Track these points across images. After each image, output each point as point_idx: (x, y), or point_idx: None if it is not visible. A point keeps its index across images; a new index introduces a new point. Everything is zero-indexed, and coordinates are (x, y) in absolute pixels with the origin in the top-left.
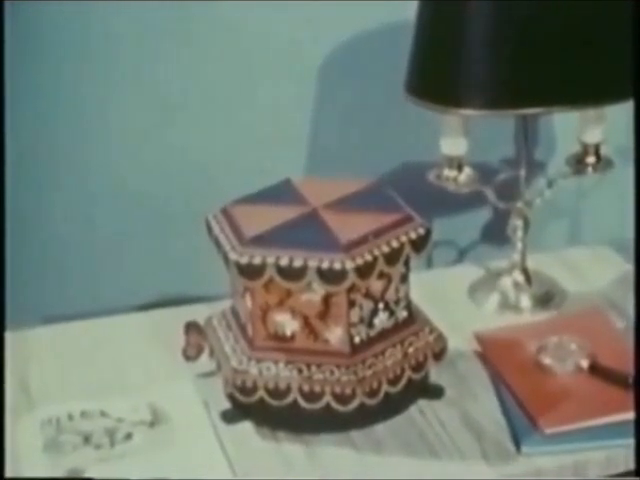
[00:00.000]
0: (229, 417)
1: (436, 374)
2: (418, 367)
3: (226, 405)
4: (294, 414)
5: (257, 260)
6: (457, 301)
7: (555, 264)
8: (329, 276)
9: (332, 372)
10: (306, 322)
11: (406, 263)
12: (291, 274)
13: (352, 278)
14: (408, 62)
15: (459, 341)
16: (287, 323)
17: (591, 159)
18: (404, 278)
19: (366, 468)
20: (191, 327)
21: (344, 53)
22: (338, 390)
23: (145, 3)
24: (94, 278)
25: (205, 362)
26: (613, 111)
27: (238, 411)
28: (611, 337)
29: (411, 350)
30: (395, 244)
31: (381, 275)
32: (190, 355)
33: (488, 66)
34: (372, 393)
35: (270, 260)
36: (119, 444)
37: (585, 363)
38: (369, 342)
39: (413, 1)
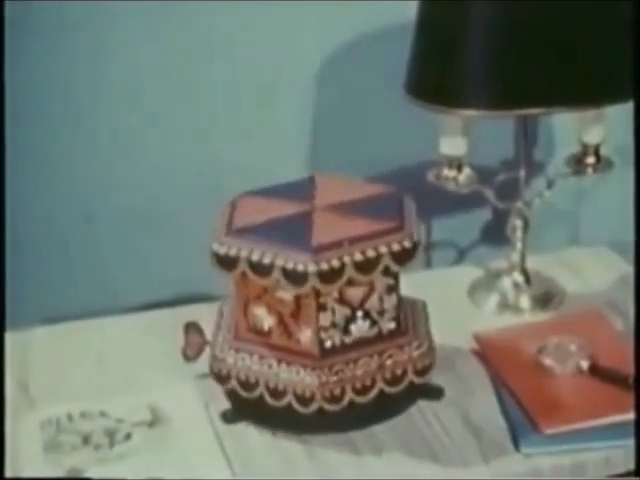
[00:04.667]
0: (229, 417)
1: (436, 375)
2: (394, 381)
3: (226, 405)
4: (292, 414)
5: (232, 252)
6: (457, 301)
7: (555, 265)
8: (292, 277)
9: (298, 372)
10: (280, 319)
11: (388, 274)
12: (260, 270)
13: (313, 282)
14: (408, 62)
15: (459, 341)
16: (264, 318)
17: (591, 159)
18: (391, 289)
19: (366, 468)
20: (191, 327)
21: (344, 53)
22: (299, 391)
23: (141, 3)
24: (94, 278)
25: (205, 362)
26: (613, 111)
27: (236, 409)
28: (611, 338)
29: (389, 363)
30: (371, 253)
31: (355, 283)
32: (190, 355)
33: (488, 66)
34: (333, 399)
35: (244, 253)
36: (119, 444)
37: (585, 364)
38: (343, 348)
39: (413, 1)
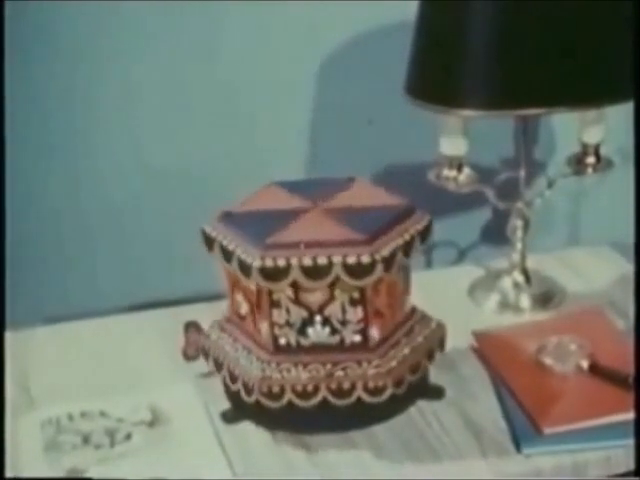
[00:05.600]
0: (229, 417)
1: (436, 374)
2: (339, 393)
3: (226, 405)
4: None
5: (213, 234)
6: (457, 301)
7: (555, 264)
8: (243, 268)
9: (251, 362)
10: (251, 308)
11: (346, 285)
12: (226, 256)
13: (256, 277)
14: (408, 63)
15: (459, 341)
16: (241, 304)
17: (591, 159)
18: (355, 302)
19: (366, 468)
20: (191, 327)
21: (344, 53)
22: (246, 379)
23: (141, 3)
24: (94, 278)
25: (205, 362)
26: (613, 111)
27: (236, 409)
28: (611, 337)
29: (339, 374)
30: (322, 260)
31: (305, 287)
32: (190, 355)
33: (488, 66)
34: (271, 396)
35: (219, 237)
36: (119, 444)
37: (585, 363)
38: (298, 349)
39: (413, 1)
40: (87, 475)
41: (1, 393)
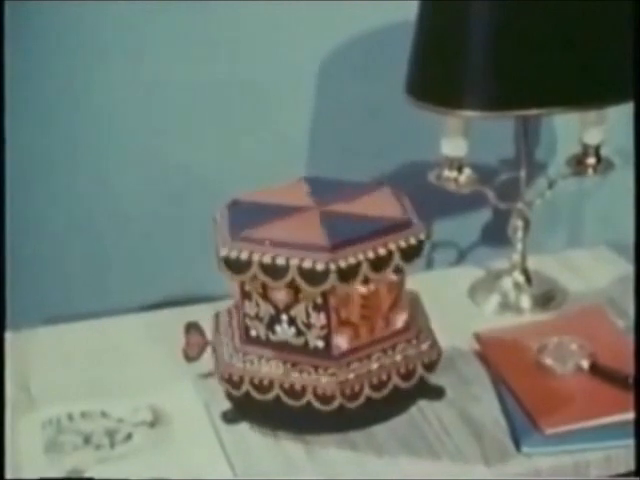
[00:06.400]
0: (229, 417)
1: (437, 375)
2: (291, 393)
3: (226, 405)
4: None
5: (218, 220)
6: (457, 302)
7: (555, 265)
8: (217, 255)
9: (228, 347)
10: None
11: (299, 287)
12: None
13: (221, 266)
14: (408, 63)
15: (459, 341)
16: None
17: (591, 160)
18: (318, 308)
19: (366, 468)
20: (191, 327)
21: (344, 53)
22: (219, 365)
23: (143, 3)
24: (94, 278)
25: (206, 362)
26: (613, 112)
27: (236, 409)
28: (611, 337)
29: (294, 375)
30: (279, 261)
31: (268, 284)
32: (190, 355)
33: (488, 67)
34: (231, 383)
35: (217, 221)
36: (119, 445)
37: (585, 363)
38: (267, 343)
39: (413, 1)
40: (87, 475)
41: (1, 393)
